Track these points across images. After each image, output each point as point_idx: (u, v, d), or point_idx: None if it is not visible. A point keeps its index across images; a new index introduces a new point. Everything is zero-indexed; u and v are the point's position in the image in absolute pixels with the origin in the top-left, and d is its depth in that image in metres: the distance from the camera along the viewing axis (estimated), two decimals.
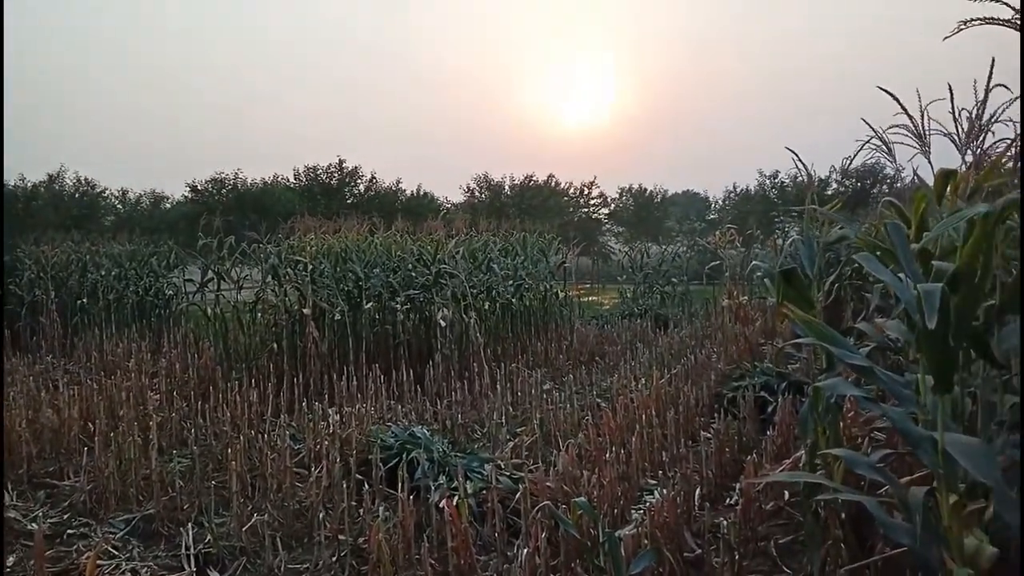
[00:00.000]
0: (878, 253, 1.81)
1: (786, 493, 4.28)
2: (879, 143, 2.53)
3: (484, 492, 4.20)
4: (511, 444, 5.66)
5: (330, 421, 5.63)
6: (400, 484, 3.97)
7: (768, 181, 37.46)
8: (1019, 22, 1.25)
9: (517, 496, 4.08)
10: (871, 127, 2.50)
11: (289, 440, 5.03)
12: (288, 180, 37.80)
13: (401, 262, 9.18)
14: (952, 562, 1.47)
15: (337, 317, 8.39)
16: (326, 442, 5.09)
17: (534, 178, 38.85)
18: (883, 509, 1.78)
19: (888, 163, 2.79)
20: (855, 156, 2.56)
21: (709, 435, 5.61)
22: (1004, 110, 1.81)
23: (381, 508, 3.92)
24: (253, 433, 5.55)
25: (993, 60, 1.62)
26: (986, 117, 1.84)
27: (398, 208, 30.16)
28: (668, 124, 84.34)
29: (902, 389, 1.67)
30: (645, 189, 42.91)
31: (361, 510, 4.21)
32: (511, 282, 10.67)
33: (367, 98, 78.17)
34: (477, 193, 39.68)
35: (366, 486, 4.27)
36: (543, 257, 12.03)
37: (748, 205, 36.25)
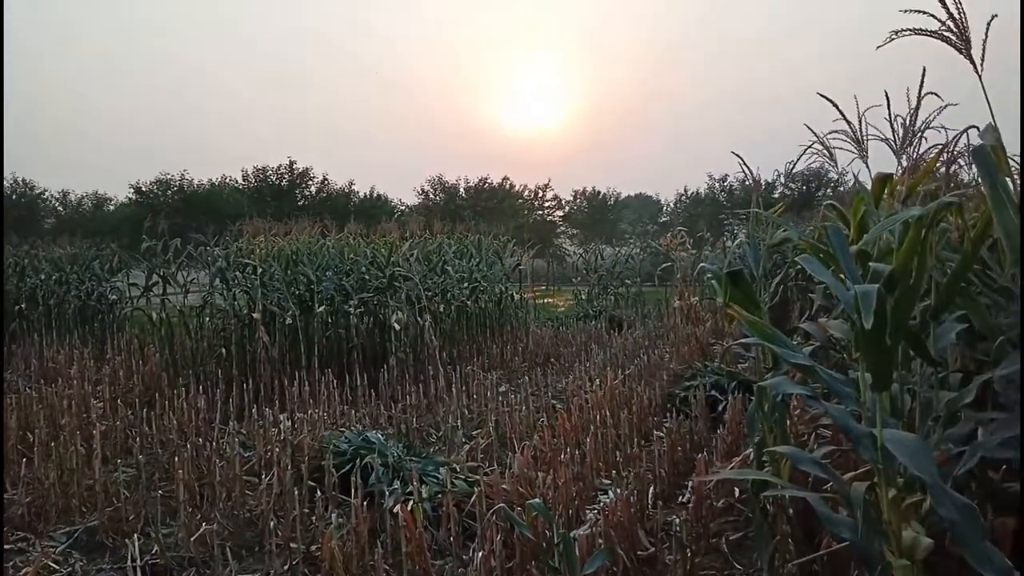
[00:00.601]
0: (820, 255, 1.87)
1: (736, 490, 4.37)
2: (821, 148, 2.60)
3: (439, 496, 4.18)
4: (467, 447, 5.65)
5: (281, 427, 5.53)
6: (354, 490, 3.92)
7: (717, 184, 38.22)
8: (951, 33, 1.31)
9: (472, 499, 4.07)
10: (813, 132, 2.56)
11: (239, 447, 4.92)
12: (237, 181, 37.07)
13: (354, 265, 9.08)
14: (891, 554, 1.52)
15: (288, 321, 8.25)
16: (277, 449, 5.00)
17: (489, 180, 38.90)
18: (827, 504, 1.84)
19: (830, 167, 2.87)
20: (797, 161, 2.63)
21: (662, 434, 5.69)
22: (935, 117, 1.90)
23: (334, 515, 3.86)
24: (201, 441, 5.42)
25: (924, 69, 1.69)
26: (919, 124, 1.91)
27: (351, 210, 29.83)
28: (622, 128, 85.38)
29: (843, 387, 1.73)
30: (599, 192, 43.37)
31: (314, 517, 4.15)
32: (466, 284, 10.65)
33: (320, 98, 77.11)
34: (432, 195, 39.55)
35: (319, 493, 4.20)
36: (498, 259, 12.05)
37: (699, 208, 36.94)
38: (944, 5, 1.31)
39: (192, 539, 4.05)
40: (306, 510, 4.20)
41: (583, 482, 4.63)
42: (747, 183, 3.51)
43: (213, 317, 8.67)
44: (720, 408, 6.05)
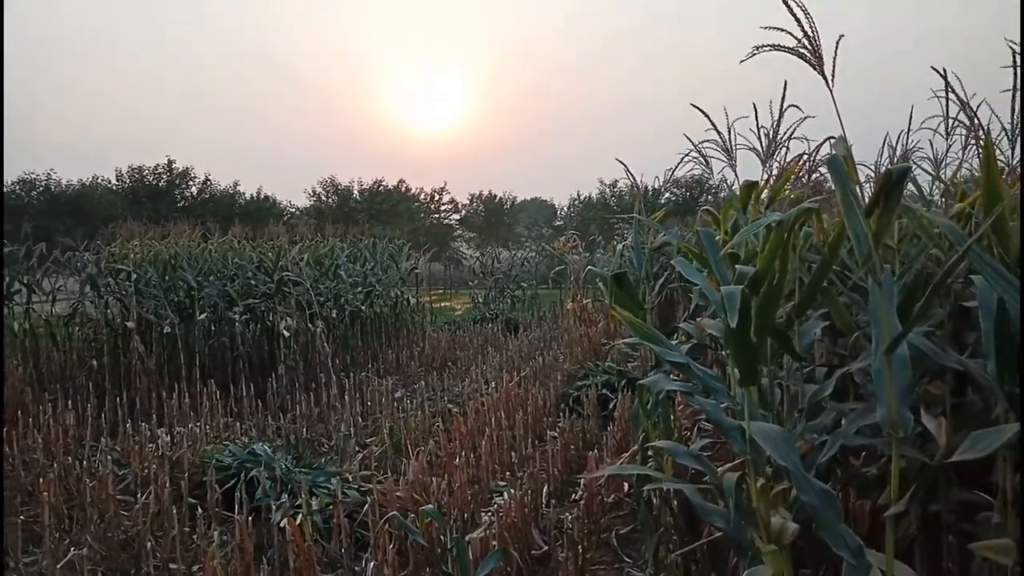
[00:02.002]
0: (693, 258, 1.96)
1: (626, 485, 4.50)
2: (698, 156, 2.72)
3: (331, 507, 4.07)
4: (360, 455, 5.54)
5: (159, 443, 5.23)
6: (238, 506, 3.75)
7: (608, 190, 39.37)
8: (806, 49, 1.41)
9: (365, 509, 3.99)
10: (690, 141, 2.68)
11: (112, 465, 4.61)
12: (110, 182, 34.73)
13: (239, 270, 8.70)
14: (760, 540, 1.62)
15: (167, 330, 7.81)
16: (155, 465, 4.72)
17: (384, 183, 38.35)
18: (704, 495, 1.93)
19: (708, 174, 3.01)
20: (676, 168, 2.75)
21: (556, 434, 5.79)
22: (796, 128, 2.04)
23: (217, 533, 3.69)
24: (70, 460, 5.03)
25: (785, 83, 1.81)
26: (783, 134, 2.05)
27: (236, 212, 28.59)
28: (519, 133, 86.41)
29: (715, 383, 1.82)
30: (495, 196, 43.71)
31: (195, 536, 3.94)
32: (360, 289, 10.45)
33: (203, 96, 73.42)
34: (324, 197, 38.54)
35: (200, 511, 4.00)
36: (393, 263, 11.90)
37: (591, 212, 37.92)
38: (799, 24, 1.42)
39: (59, 566, 3.75)
40: (187, 529, 3.99)
41: (479, 485, 4.64)
42: (635, 189, 3.63)
43: (83, 327, 8.08)
44: (611, 406, 6.23)
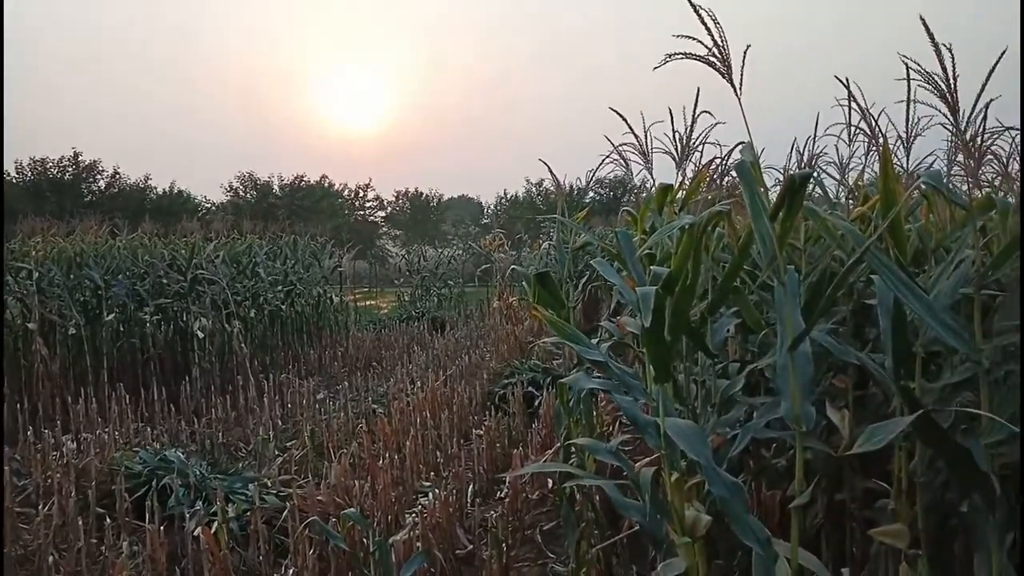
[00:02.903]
0: (615, 260, 2.00)
1: (550, 481, 4.55)
2: (618, 158, 2.78)
3: (248, 514, 3.95)
4: (280, 459, 5.40)
5: (64, 450, 4.95)
6: (149, 515, 3.60)
7: (535, 188, 39.66)
8: (716, 58, 1.46)
9: (285, 514, 3.89)
10: (611, 143, 2.73)
11: (12, 476, 4.34)
12: (9, 175, 32.59)
13: (150, 268, 8.33)
14: (675, 533, 1.66)
15: (71, 331, 7.40)
16: (59, 475, 4.46)
17: (305, 178, 37.43)
18: (622, 491, 1.97)
19: (629, 176, 3.07)
20: (597, 169, 2.79)
21: (481, 432, 5.80)
22: (709, 132, 2.11)
23: (126, 544, 3.51)
24: None
25: (698, 90, 1.87)
26: (697, 139, 2.12)
27: (147, 208, 27.32)
28: (446, 130, 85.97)
29: (632, 380, 1.86)
30: (421, 193, 43.38)
31: (103, 548, 3.75)
32: (280, 288, 10.17)
33: (113, 84, 69.78)
34: (242, 192, 37.31)
35: (108, 521, 3.81)
36: (315, 261, 11.63)
37: (517, 211, 38.10)
38: (709, 33, 1.47)
39: None
40: (94, 541, 3.80)
41: (403, 486, 4.60)
42: (561, 187, 3.67)
43: None
44: (536, 403, 6.29)
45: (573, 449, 2.84)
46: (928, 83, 1.49)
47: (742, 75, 1.49)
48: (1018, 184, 2.01)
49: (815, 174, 3.07)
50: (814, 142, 2.35)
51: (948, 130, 1.57)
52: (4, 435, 5.20)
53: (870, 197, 2.32)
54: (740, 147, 1.47)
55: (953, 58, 1.41)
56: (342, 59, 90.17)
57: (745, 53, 1.46)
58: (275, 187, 37.20)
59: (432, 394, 6.39)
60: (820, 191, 2.99)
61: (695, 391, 2.49)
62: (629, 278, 1.97)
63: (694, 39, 1.46)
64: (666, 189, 2.14)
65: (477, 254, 19.30)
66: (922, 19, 1.35)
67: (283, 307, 10.11)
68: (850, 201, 2.84)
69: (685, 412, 2.49)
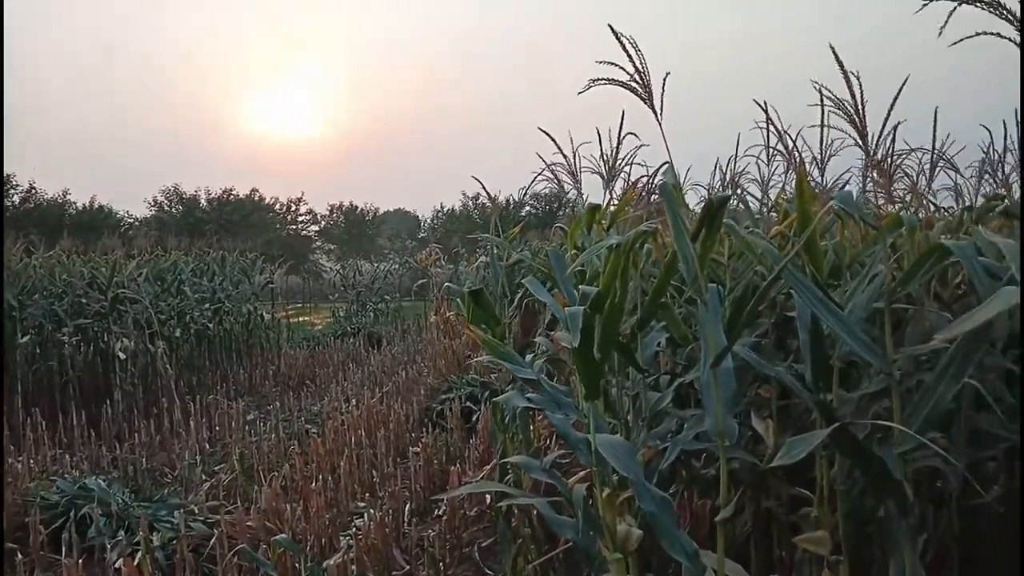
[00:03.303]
0: (545, 279, 2.03)
1: (488, 497, 4.53)
2: (550, 175, 2.81)
3: (174, 542, 3.79)
4: (207, 484, 5.21)
5: None
6: (66, 548, 3.42)
7: (471, 203, 39.65)
8: (637, 84, 1.51)
9: (212, 542, 3.75)
10: (543, 160, 2.76)
11: None
12: None
13: (68, 287, 7.95)
14: (607, 548, 1.68)
15: None
16: None
17: (234, 192, 36.40)
18: (556, 508, 1.98)
19: (562, 192, 3.10)
20: (530, 186, 2.82)
21: (418, 450, 5.74)
22: (635, 153, 2.16)
23: None
24: None
25: (623, 112, 1.92)
26: (623, 160, 2.17)
27: (66, 223, 26.06)
28: (382, 143, 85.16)
29: (564, 398, 1.88)
30: (356, 207, 42.78)
31: None
32: (208, 306, 9.85)
33: (28, 94, 66.46)
34: (167, 207, 36.03)
35: (20, 556, 3.60)
36: (245, 277, 11.32)
37: (454, 224, 38.03)
38: (631, 60, 1.51)
39: None
40: None
41: (337, 508, 4.50)
42: (497, 201, 3.69)
43: None
44: (474, 418, 6.26)
45: (509, 465, 2.84)
46: (839, 109, 1.57)
47: (662, 100, 1.54)
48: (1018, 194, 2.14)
49: (739, 191, 3.19)
50: (735, 162, 2.44)
51: (861, 149, 1.65)
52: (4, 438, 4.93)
53: (790, 214, 2.42)
54: (663, 169, 1.51)
55: (861, 85, 1.49)
56: (277, 71, 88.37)
57: (665, 80, 1.51)
58: (202, 201, 36.07)
59: (368, 412, 6.29)
60: (743, 207, 3.10)
61: (627, 404, 2.53)
62: (561, 295, 1.99)
63: (617, 65, 1.50)
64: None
65: (414, 268, 19.14)
66: (830, 45, 1.42)
67: (211, 325, 9.79)
68: (773, 213, 2.95)
69: (618, 425, 2.52)
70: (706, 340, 1.51)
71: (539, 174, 2.85)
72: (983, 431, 2.30)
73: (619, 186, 2.56)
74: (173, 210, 35.68)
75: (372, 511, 4.05)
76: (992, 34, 0.93)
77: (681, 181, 2.95)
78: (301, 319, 18.31)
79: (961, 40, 0.99)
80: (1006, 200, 2.68)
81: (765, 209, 3.16)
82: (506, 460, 2.26)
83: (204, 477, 5.44)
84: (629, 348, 2.05)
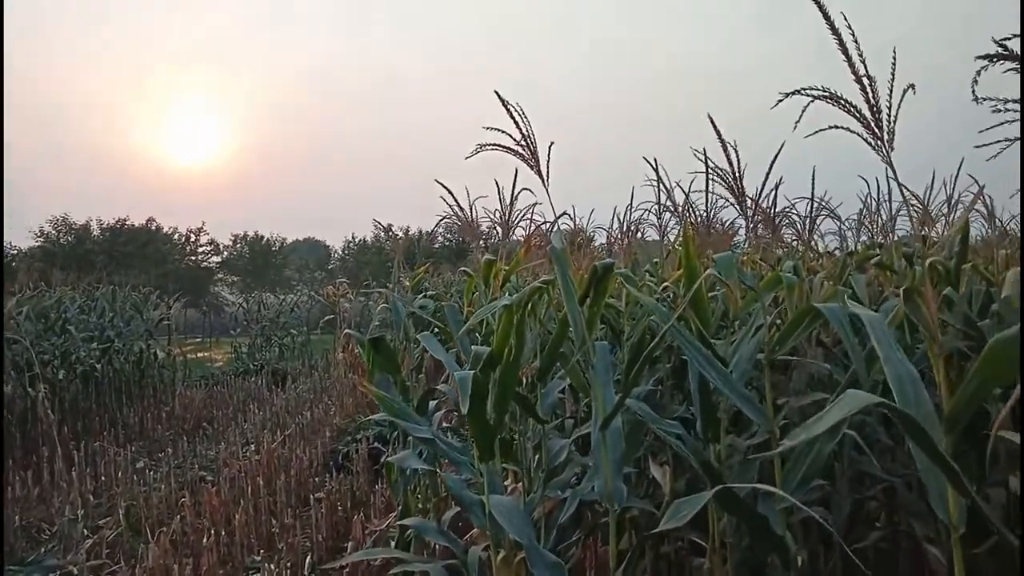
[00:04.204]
0: (438, 333, 2.01)
1: (392, 543, 4.41)
2: (452, 219, 2.80)
3: None
4: (89, 542, 4.83)
5: None
6: None
7: (384, 233, 39.15)
8: (524, 149, 1.53)
9: None
10: (447, 203, 2.75)
11: None
12: None
13: None
14: None
15: None
16: None
17: (128, 222, 34.55)
18: (453, 570, 1.93)
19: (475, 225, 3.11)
20: (436, 226, 2.81)
21: (322, 495, 5.53)
22: (531, 211, 2.19)
23: None
24: None
25: (516, 170, 1.94)
26: (516, 215, 2.20)
27: None
28: (290, 173, 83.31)
29: (460, 456, 1.85)
30: (262, 237, 41.46)
31: None
32: (96, 345, 9.26)
33: None
34: (54, 238, 33.84)
35: None
36: (137, 313, 10.72)
37: (366, 256, 37.43)
38: (517, 126, 1.53)
39: None
40: None
41: (232, 563, 4.28)
42: (411, 233, 3.64)
43: None
44: (382, 460, 6.10)
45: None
46: (715, 173, 1.64)
47: (548, 166, 1.56)
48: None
49: (640, 235, 3.28)
50: (630, 212, 2.52)
51: (739, 212, 1.72)
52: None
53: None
54: (553, 232, 1.53)
55: (737, 153, 1.57)
56: (181, 95, 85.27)
57: (550, 148, 1.54)
58: (95, 231, 34.08)
59: (268, 457, 6.04)
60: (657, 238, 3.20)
61: (529, 453, 2.52)
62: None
63: (503, 132, 1.51)
64: (491, 263, 2.18)
65: (323, 303, 18.64)
66: (709, 116, 1.49)
67: (98, 366, 9.19)
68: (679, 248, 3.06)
69: (521, 474, 2.51)
70: (596, 400, 1.52)
71: (442, 219, 2.84)
72: (864, 473, 2.41)
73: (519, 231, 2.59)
74: (62, 241, 33.53)
75: (269, 566, 3.86)
76: (843, 128, 1.00)
77: (586, 225, 3.03)
78: (200, 355, 17.47)
79: (815, 133, 1.06)
80: (880, 251, 2.88)
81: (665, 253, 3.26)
82: (400, 523, 2.19)
83: (86, 533, 5.04)
84: (528, 399, 2.05)
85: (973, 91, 0.72)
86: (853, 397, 0.90)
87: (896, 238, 3.18)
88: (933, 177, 2.81)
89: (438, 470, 1.92)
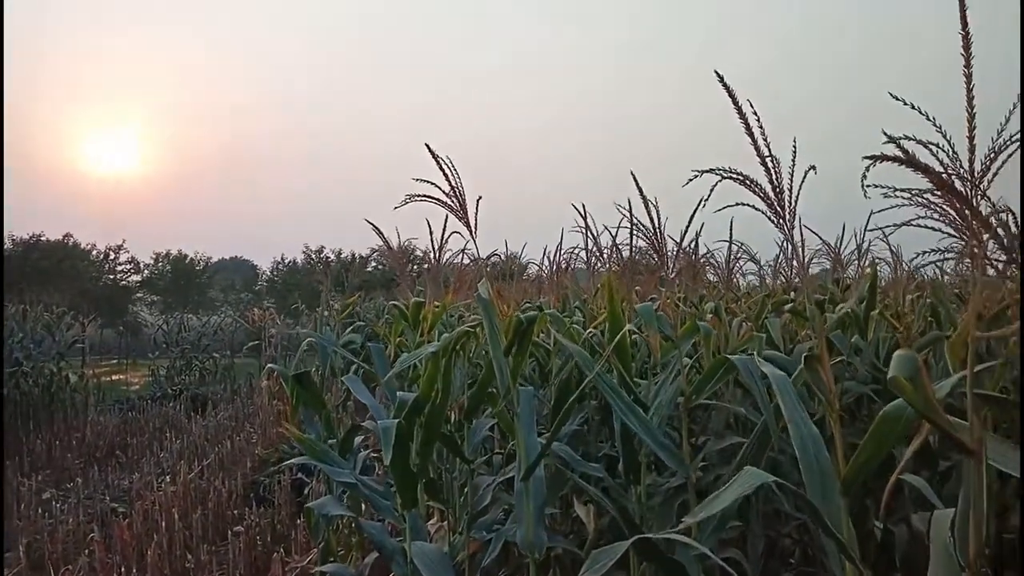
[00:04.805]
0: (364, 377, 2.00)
1: None
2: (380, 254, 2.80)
3: None
4: None
5: None
6: None
7: (314, 256, 38.37)
8: (453, 200, 1.56)
9: None
10: (380, 237, 2.74)
11: None
12: None
13: None
14: None
15: None
16: None
17: (43, 237, 32.81)
18: None
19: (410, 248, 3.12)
20: (369, 258, 2.81)
21: (241, 529, 5.34)
22: (462, 254, 2.22)
23: None
24: None
25: (447, 218, 1.98)
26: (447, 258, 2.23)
27: None
28: (218, 190, 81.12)
29: (382, 501, 1.83)
30: (186, 255, 40.03)
31: None
32: (2, 367, 8.73)
33: None
34: None
35: None
36: (49, 334, 10.19)
37: (295, 278, 36.55)
38: (447, 179, 1.56)
39: None
40: None
41: None
42: (343, 256, 3.61)
43: None
44: (306, 491, 5.94)
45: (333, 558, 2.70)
46: (639, 230, 1.71)
47: (476, 218, 1.59)
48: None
49: (570, 270, 3.36)
50: (559, 251, 2.59)
51: (658, 262, 1.80)
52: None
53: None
54: (480, 284, 1.56)
55: (658, 212, 1.64)
56: (102, 108, 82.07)
57: (478, 202, 1.57)
58: (7, 245, 32.21)
59: (185, 488, 5.80)
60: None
61: (456, 492, 2.51)
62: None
63: (432, 183, 1.54)
64: (419, 306, 2.19)
65: (248, 327, 18.13)
66: (632, 174, 1.55)
67: (3, 390, 8.67)
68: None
69: (447, 513, 2.50)
70: (520, 447, 1.54)
71: (374, 251, 2.84)
72: (778, 510, 2.50)
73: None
74: None
75: None
76: (748, 205, 1.07)
77: (520, 254, 3.09)
78: (115, 377, 16.67)
79: (722, 209, 1.13)
80: (795, 293, 3.02)
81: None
82: (322, 568, 2.14)
83: None
84: (454, 440, 2.05)
85: (862, 185, 0.78)
86: (750, 475, 0.95)
87: (810, 274, 3.36)
88: (843, 229, 2.98)
89: (360, 517, 1.89)
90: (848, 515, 1.00)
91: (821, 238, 3.02)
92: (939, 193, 0.79)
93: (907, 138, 0.80)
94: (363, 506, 3.38)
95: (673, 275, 1.77)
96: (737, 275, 3.73)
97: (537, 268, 3.42)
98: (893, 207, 0.89)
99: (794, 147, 0.97)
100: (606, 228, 2.48)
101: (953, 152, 0.82)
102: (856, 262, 3.48)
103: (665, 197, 1.79)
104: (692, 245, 2.12)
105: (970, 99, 0.81)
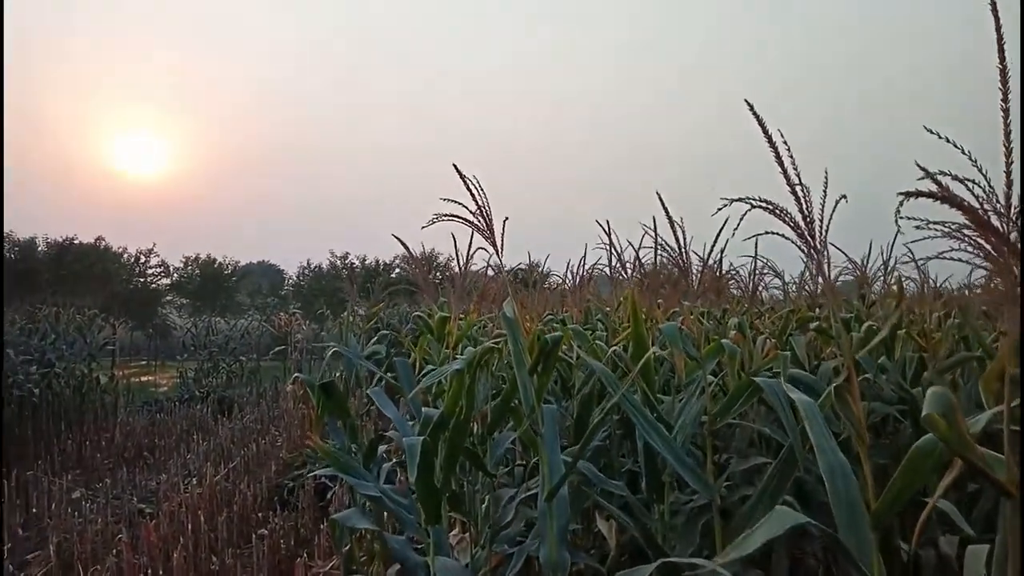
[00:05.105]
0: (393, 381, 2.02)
1: None
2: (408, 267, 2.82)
3: None
4: None
5: None
6: None
7: (339, 261, 38.64)
8: (480, 219, 1.57)
9: None
10: (404, 247, 2.77)
11: None
12: None
13: None
14: None
15: None
16: None
17: (77, 239, 33.47)
18: None
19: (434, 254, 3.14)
20: (393, 264, 2.83)
21: (266, 532, 5.40)
22: (486, 268, 2.25)
23: None
24: None
25: (472, 233, 1.99)
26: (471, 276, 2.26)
27: None
28: (247, 195, 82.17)
29: (407, 515, 1.84)
30: (215, 259, 40.57)
31: None
32: (35, 368, 8.94)
33: None
34: None
35: None
36: (80, 336, 10.40)
37: (321, 283, 36.86)
38: (474, 199, 1.57)
39: None
40: None
41: None
42: (367, 262, 3.65)
43: None
44: (329, 496, 5.99)
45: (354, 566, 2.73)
46: (665, 249, 1.71)
47: (503, 238, 1.61)
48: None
49: (593, 282, 3.36)
50: (582, 265, 2.61)
51: (683, 280, 1.80)
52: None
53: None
54: (505, 303, 1.57)
55: (685, 231, 1.64)
56: (134, 111, 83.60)
57: (505, 222, 1.58)
58: (40, 248, 32.91)
59: (211, 491, 5.87)
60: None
61: (479, 504, 2.52)
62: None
63: (460, 203, 1.55)
64: (444, 321, 2.21)
65: (275, 330, 18.32)
66: (658, 194, 1.56)
67: (36, 391, 8.87)
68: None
69: (468, 524, 2.50)
70: (544, 464, 1.54)
71: (396, 260, 2.86)
72: (803, 530, 2.47)
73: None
74: (9, 256, 32.27)
75: None
76: (778, 234, 1.07)
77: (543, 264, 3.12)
78: (144, 379, 16.95)
79: (754, 236, 1.13)
80: (820, 310, 2.99)
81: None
82: None
83: (13, 570, 4.83)
84: (477, 454, 2.06)
85: (896, 221, 0.78)
86: (781, 516, 0.95)
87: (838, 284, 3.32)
88: (871, 247, 2.95)
89: (384, 531, 1.91)
90: (878, 550, 1.00)
91: (846, 254, 2.99)
92: (974, 228, 0.79)
93: (943, 173, 0.80)
94: (385, 515, 3.41)
95: (697, 292, 1.76)
96: (761, 290, 3.71)
97: (560, 280, 3.43)
98: (925, 238, 0.89)
99: (825, 178, 0.97)
100: (630, 244, 2.49)
101: (989, 187, 0.82)
102: (882, 278, 3.44)
103: (665, 196, 1.80)
104: (716, 262, 2.12)
105: (1007, 132, 0.80)
